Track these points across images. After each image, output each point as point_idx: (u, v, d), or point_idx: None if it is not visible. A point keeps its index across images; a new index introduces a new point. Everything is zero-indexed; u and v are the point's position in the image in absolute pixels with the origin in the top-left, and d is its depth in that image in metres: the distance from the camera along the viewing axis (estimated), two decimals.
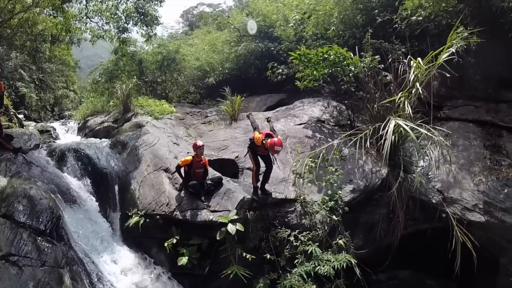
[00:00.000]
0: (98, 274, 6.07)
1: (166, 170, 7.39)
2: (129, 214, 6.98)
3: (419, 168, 7.63)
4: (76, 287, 5.31)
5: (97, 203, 7.28)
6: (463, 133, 8.33)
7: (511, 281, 6.92)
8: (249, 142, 6.80)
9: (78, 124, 12.79)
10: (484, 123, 8.35)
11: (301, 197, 6.46)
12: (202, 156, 6.77)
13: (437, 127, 7.07)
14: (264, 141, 6.46)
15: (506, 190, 7.15)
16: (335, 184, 6.62)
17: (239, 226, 6.00)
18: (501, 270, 7.11)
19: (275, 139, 6.38)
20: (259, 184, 6.67)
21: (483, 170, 7.58)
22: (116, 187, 7.68)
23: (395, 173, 7.28)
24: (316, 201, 6.40)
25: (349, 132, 7.19)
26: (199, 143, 6.80)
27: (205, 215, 6.35)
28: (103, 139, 9.90)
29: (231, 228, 5.97)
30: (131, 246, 6.91)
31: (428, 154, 7.44)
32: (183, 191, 6.82)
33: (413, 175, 7.19)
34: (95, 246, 6.57)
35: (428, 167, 7.66)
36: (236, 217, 6.07)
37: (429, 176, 7.60)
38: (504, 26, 8.05)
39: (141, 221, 6.74)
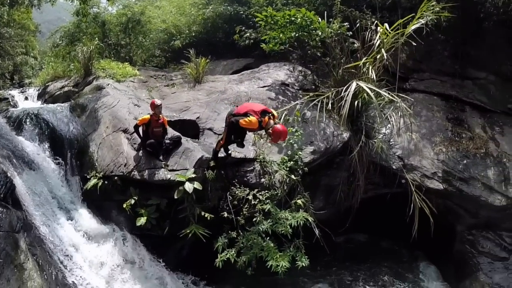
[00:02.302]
0: (57, 238, 5.94)
1: (125, 131, 7.18)
2: (88, 177, 6.80)
3: (381, 135, 7.74)
4: (33, 252, 5.16)
5: (55, 167, 7.05)
6: (427, 104, 8.47)
7: (466, 248, 7.27)
8: (231, 120, 5.78)
9: (38, 90, 12.20)
10: (449, 97, 8.51)
11: (261, 157, 6.44)
12: (160, 115, 6.60)
13: (401, 94, 7.15)
14: (261, 121, 5.52)
15: (465, 161, 7.41)
16: (296, 145, 6.64)
17: (197, 185, 5.95)
18: (457, 237, 7.47)
19: (279, 126, 5.40)
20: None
21: (444, 140, 7.80)
22: (75, 151, 7.44)
23: (357, 138, 7.38)
24: (275, 161, 6.40)
25: (311, 94, 7.16)
26: (157, 102, 6.61)
27: (162, 174, 6.26)
28: (62, 104, 9.50)
29: (189, 186, 5.90)
30: (91, 209, 6.79)
31: (391, 122, 7.58)
32: (141, 151, 6.68)
33: (375, 140, 7.31)
34: (54, 210, 6.40)
35: (390, 134, 7.79)
36: (194, 175, 6.01)
37: (391, 143, 7.74)
38: (476, 5, 8.08)
39: (100, 184, 6.60)
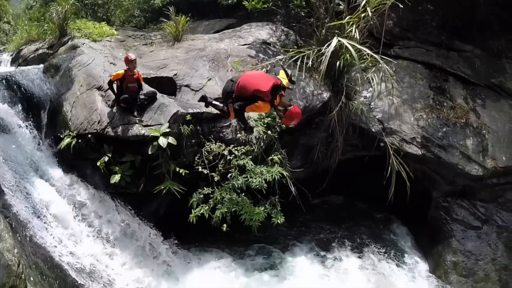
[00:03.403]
0: (30, 199, 5.84)
1: (99, 88, 6.95)
2: (61, 136, 6.60)
3: (362, 98, 7.64)
4: (6, 215, 5.02)
5: (29, 129, 6.78)
6: (410, 71, 8.35)
7: (441, 215, 7.37)
8: (234, 108, 4.62)
9: (11, 55, 11.73)
10: (433, 66, 8.40)
11: None
12: (135, 70, 6.39)
13: (384, 57, 6.99)
14: (273, 101, 4.57)
15: (445, 129, 7.40)
16: None
17: (171, 140, 5.82)
18: (433, 203, 7.56)
19: (295, 108, 4.70)
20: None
21: (425, 107, 7.75)
22: (48, 111, 7.19)
23: (337, 99, 7.26)
24: (252, 117, 6.27)
25: (292, 52, 6.95)
26: (131, 56, 6.39)
27: (136, 129, 6.11)
28: (36, 66, 9.17)
29: (163, 141, 5.77)
30: (66, 170, 6.67)
31: (372, 85, 7.46)
32: (115, 107, 6.50)
33: (355, 102, 7.21)
34: (27, 172, 6.23)
35: (371, 98, 7.70)
36: (168, 130, 5.86)
37: (371, 106, 7.66)
38: None
39: (73, 142, 6.43)
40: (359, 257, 7.11)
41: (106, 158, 6.21)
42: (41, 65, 8.71)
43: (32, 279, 4.35)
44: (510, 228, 7.12)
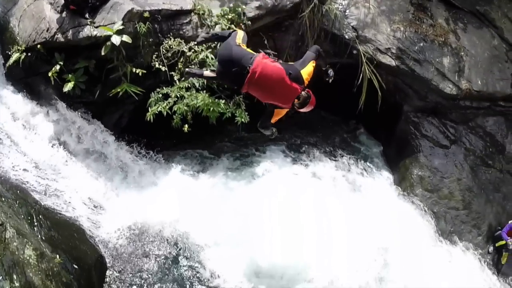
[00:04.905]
0: None
1: None
2: (10, 54, 6.04)
3: (337, 5, 7.22)
4: None
5: None
6: None
7: (410, 129, 7.30)
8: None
9: None
10: None
11: (198, 7, 5.80)
12: None
13: None
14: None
15: (422, 44, 7.15)
16: None
17: (125, 38, 5.36)
18: (403, 117, 7.44)
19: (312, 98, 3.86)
20: None
21: (403, 21, 7.38)
22: None
23: (310, 2, 6.83)
24: (216, 14, 5.80)
25: None
26: None
27: (88, 31, 5.62)
28: None
29: (116, 39, 5.32)
30: (18, 89, 6.18)
31: None
32: (65, 12, 5.92)
33: (329, 6, 6.80)
34: None
35: (347, 5, 7.27)
36: (122, 27, 5.39)
37: (346, 14, 7.25)
38: None
39: (22, 57, 5.91)
40: (334, 160, 7.15)
41: (58, 67, 5.76)
42: None
43: None
44: (477, 152, 7.22)
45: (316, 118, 7.55)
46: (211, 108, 5.04)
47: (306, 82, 3.75)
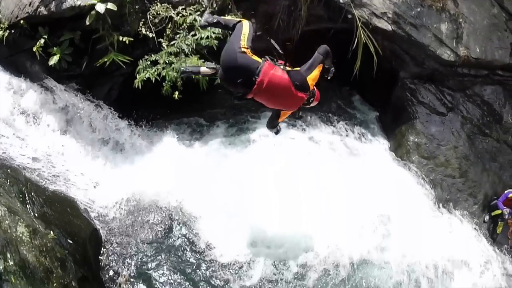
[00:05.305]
0: None
1: None
2: None
3: None
4: None
5: None
6: None
7: (407, 95, 7.19)
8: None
9: None
10: None
11: None
12: None
13: None
14: None
15: (419, 9, 6.95)
16: None
17: (110, 5, 5.21)
18: (399, 83, 7.33)
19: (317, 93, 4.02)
20: None
21: None
22: None
23: None
24: None
25: None
26: None
27: (71, 1, 5.43)
28: None
29: (100, 7, 5.16)
30: (4, 68, 5.94)
31: None
32: None
33: None
34: None
35: None
36: None
37: None
38: None
39: (6, 34, 5.74)
40: (330, 126, 7.10)
41: (42, 41, 5.60)
42: None
43: None
44: (474, 120, 7.14)
45: None
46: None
47: (311, 87, 3.76)
